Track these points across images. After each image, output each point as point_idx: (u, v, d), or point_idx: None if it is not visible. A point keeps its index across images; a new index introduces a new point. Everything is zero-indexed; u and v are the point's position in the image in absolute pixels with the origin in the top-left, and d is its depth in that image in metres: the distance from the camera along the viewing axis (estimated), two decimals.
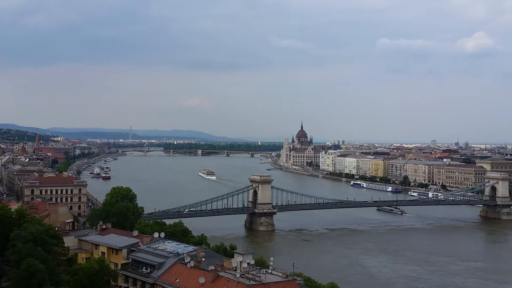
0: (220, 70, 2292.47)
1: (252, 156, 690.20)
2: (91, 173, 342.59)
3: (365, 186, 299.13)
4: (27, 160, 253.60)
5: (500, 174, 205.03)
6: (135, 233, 71.71)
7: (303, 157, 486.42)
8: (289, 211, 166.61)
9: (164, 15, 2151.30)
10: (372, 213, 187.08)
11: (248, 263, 52.24)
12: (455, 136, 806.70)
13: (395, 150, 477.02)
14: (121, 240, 68.19)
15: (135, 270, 60.43)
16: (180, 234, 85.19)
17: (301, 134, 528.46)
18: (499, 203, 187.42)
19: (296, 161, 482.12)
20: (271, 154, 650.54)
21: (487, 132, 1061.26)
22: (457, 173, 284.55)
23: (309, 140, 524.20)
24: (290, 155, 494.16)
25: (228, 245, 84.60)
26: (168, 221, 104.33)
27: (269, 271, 52.29)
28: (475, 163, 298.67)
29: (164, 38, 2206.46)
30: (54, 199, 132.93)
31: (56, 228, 74.46)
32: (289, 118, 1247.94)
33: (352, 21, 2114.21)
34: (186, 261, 55.56)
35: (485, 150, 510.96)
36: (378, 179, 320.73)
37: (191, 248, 62.81)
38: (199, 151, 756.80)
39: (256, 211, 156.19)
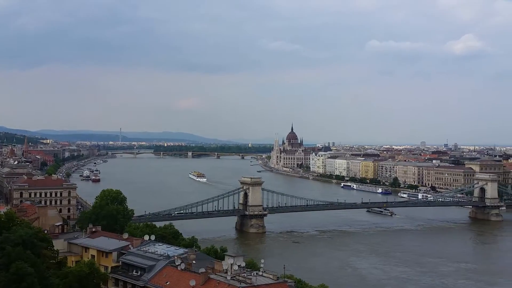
0: (210, 72, 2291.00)
1: (243, 158, 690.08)
2: (80, 175, 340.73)
3: (355, 188, 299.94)
4: (16, 162, 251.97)
5: (489, 175, 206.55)
6: (125, 235, 71.34)
7: (294, 159, 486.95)
8: (280, 213, 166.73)
9: (153, 16, 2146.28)
10: (362, 215, 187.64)
11: (239, 266, 52.13)
12: (444, 138, 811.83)
13: (385, 152, 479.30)
14: (111, 243, 67.77)
15: (125, 273, 60.06)
16: (171, 237, 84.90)
17: (292, 136, 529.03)
18: (488, 204, 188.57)
19: (286, 163, 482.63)
20: (262, 156, 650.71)
21: (476, 134, 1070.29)
22: (446, 175, 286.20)
23: (299, 142, 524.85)
24: (280, 157, 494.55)
25: (219, 248, 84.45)
26: (159, 224, 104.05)
27: (260, 273, 52.17)
28: (464, 164, 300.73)
29: (153, 40, 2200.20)
30: (43, 202, 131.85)
31: (46, 231, 73.90)
32: (279, 120, 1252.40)
33: (342, 23, 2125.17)
34: (177, 263, 55.32)
35: (474, 151, 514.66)
36: (368, 181, 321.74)
37: (181, 250, 62.54)
38: (190, 153, 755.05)
39: (247, 213, 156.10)
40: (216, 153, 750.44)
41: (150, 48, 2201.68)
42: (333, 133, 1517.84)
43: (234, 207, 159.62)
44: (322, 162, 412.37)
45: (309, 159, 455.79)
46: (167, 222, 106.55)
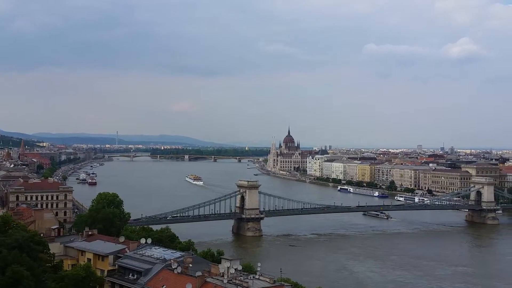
0: (207, 74, 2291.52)
1: (239, 161, 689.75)
2: (77, 178, 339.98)
3: (352, 191, 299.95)
4: (12, 165, 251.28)
5: (485, 179, 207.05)
6: (122, 239, 71.22)
7: (290, 162, 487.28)
8: (277, 216, 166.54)
9: (150, 19, 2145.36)
10: (358, 218, 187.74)
11: (235, 269, 52.11)
12: (441, 141, 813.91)
13: (381, 155, 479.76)
14: (107, 246, 67.65)
15: (121, 277, 59.94)
16: (167, 240, 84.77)
17: (288, 139, 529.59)
18: (485, 207, 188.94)
19: (283, 166, 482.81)
20: (259, 159, 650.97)
21: (473, 137, 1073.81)
22: (443, 178, 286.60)
23: (296, 145, 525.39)
24: (277, 160, 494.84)
25: (216, 251, 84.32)
26: (155, 227, 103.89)
27: (257, 276, 52.15)
28: (461, 168, 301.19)
29: (149, 43, 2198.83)
30: (39, 205, 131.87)
31: (42, 235, 73.64)
32: (276, 123, 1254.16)
33: (339, 26, 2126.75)
34: (173, 267, 55.23)
35: (471, 155, 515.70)
36: (365, 184, 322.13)
37: (178, 254, 62.48)
38: (186, 156, 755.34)
39: (244, 216, 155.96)
40: (213, 156, 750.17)
41: (147, 51, 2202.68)
42: (330, 137, 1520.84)
43: (231, 211, 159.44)
44: (319, 165, 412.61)
45: (306, 162, 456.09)
46: (163, 226, 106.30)
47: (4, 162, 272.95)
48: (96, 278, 59.47)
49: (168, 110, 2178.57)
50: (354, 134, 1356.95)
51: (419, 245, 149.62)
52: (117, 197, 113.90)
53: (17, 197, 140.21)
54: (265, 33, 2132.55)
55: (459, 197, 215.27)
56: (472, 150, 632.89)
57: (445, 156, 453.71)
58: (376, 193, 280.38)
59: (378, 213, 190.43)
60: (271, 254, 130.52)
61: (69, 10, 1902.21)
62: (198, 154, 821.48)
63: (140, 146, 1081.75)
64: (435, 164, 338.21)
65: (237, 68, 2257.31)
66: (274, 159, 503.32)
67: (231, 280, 49.89)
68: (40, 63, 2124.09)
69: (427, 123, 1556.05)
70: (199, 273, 50.79)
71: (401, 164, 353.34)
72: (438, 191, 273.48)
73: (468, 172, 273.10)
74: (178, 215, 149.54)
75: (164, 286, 53.28)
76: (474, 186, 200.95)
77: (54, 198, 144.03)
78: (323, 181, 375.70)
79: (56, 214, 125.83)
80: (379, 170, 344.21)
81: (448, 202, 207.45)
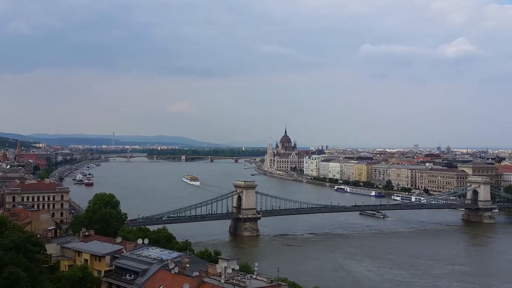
0: (204, 75, 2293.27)
1: (236, 161, 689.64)
2: (73, 179, 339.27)
3: (348, 191, 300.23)
4: (8, 166, 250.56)
5: (482, 178, 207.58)
6: (119, 239, 71.11)
7: (287, 162, 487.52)
8: (274, 216, 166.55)
9: (147, 20, 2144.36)
10: (355, 217, 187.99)
11: (232, 269, 52.08)
12: (437, 141, 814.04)
13: (378, 155, 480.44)
14: (104, 247, 67.54)
15: (118, 277, 59.87)
16: (164, 240, 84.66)
17: (285, 139, 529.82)
18: (481, 206, 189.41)
19: (280, 166, 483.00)
20: (255, 159, 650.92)
21: (469, 137, 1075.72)
22: (439, 177, 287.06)
23: (293, 145, 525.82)
24: (274, 160, 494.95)
25: (213, 251, 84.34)
26: (152, 227, 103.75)
27: (254, 276, 52.15)
28: (457, 167, 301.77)
29: (147, 44, 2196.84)
30: (36, 206, 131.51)
31: (38, 236, 73.48)
32: (273, 123, 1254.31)
33: (335, 27, 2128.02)
34: (170, 267, 55.16)
35: (467, 154, 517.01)
36: (361, 184, 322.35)
37: (175, 254, 62.43)
38: (183, 157, 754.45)
39: (241, 216, 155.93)
40: (209, 157, 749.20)
41: (144, 52, 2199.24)
42: (327, 136, 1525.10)
43: (228, 211, 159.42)
44: (316, 165, 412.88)
45: (303, 162, 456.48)
46: (160, 226, 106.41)
47: (0, 163, 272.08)
48: (93, 278, 59.32)
49: (165, 110, 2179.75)
50: (351, 134, 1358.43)
51: (416, 244, 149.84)
52: (114, 198, 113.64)
53: (14, 198, 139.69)
54: (262, 34, 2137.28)
55: (455, 196, 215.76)
56: (468, 150, 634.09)
57: (442, 156, 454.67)
58: (373, 193, 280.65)
59: (375, 212, 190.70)
60: (268, 254, 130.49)
61: (67, 11, 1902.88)
62: (195, 154, 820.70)
63: (136, 146, 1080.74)
64: (431, 164, 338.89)
65: (234, 69, 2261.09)
66: (271, 159, 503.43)
67: (228, 280, 49.84)
68: (37, 64, 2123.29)
69: (424, 122, 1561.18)
70: (196, 273, 50.76)
71: (398, 163, 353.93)
72: (434, 191, 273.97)
73: (465, 172, 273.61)
74: (175, 215, 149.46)
75: (161, 287, 53.22)
76: (471, 185, 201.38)
77: (51, 199, 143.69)
78: (320, 181, 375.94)
79: (53, 215, 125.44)
80: (375, 169, 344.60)
81: (444, 202, 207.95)
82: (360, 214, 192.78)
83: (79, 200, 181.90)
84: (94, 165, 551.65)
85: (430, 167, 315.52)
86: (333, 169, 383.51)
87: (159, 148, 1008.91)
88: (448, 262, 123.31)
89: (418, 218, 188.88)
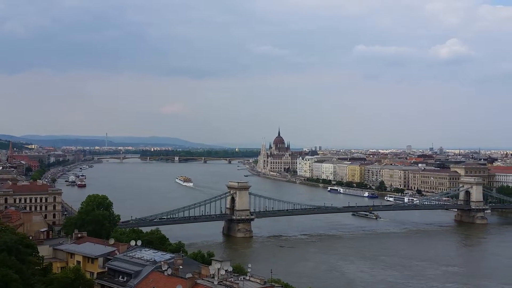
0: (197, 76, 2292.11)
1: (230, 162, 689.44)
2: (66, 181, 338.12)
3: (342, 192, 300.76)
4: (1, 168, 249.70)
5: (474, 178, 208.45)
6: (111, 241, 70.91)
7: (281, 163, 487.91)
8: (267, 217, 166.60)
9: (141, 20, 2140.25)
10: (348, 218, 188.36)
11: (226, 270, 52.06)
12: (430, 142, 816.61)
13: (371, 156, 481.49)
14: (97, 248, 67.35)
15: (111, 279, 59.68)
16: (157, 242, 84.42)
17: (279, 140, 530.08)
18: (473, 207, 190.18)
19: (273, 167, 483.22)
20: (249, 160, 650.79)
21: (461, 138, 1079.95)
22: (432, 178, 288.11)
23: (286, 146, 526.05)
24: (267, 161, 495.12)
25: (206, 252, 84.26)
26: (145, 229, 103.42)
27: (247, 278, 52.11)
28: (450, 168, 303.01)
29: (140, 44, 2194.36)
30: (28, 208, 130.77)
31: (31, 237, 73.25)
32: (266, 124, 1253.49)
33: (329, 28, 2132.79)
34: (163, 269, 55.07)
35: (459, 155, 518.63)
36: (354, 185, 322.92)
37: (168, 256, 62.29)
38: (176, 158, 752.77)
39: (234, 217, 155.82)
40: (203, 158, 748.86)
41: (137, 53, 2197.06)
42: (320, 137, 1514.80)
43: (221, 212, 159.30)
44: (309, 166, 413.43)
45: (296, 163, 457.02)
46: (153, 227, 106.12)
47: None
48: (85, 280, 59.12)
49: (158, 111, 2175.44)
50: (344, 135, 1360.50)
51: (408, 245, 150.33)
52: (107, 199, 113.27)
53: (6, 200, 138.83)
54: (256, 34, 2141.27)
55: (448, 197, 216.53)
56: (460, 150, 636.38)
57: (434, 157, 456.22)
58: (366, 194, 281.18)
59: (367, 213, 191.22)
60: (262, 255, 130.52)
61: (61, 12, 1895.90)
62: (188, 155, 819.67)
63: (129, 148, 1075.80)
64: (424, 165, 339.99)
65: (228, 70, 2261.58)
66: (264, 160, 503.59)
67: (222, 281, 49.82)
68: (29, 65, 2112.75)
69: (417, 123, 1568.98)
70: (189, 275, 50.68)
71: (391, 164, 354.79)
72: (427, 191, 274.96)
73: (457, 172, 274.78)
74: (168, 216, 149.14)
75: None
76: (463, 186, 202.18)
77: (43, 200, 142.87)
78: (313, 181, 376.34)
79: (45, 216, 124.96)
80: (369, 170, 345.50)
81: (437, 202, 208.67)
82: (353, 215, 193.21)
83: (72, 201, 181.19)
84: (87, 167, 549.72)
85: (422, 168, 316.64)
86: (326, 170, 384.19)
87: (152, 149, 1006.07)
88: (441, 263, 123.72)
89: (410, 218, 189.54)
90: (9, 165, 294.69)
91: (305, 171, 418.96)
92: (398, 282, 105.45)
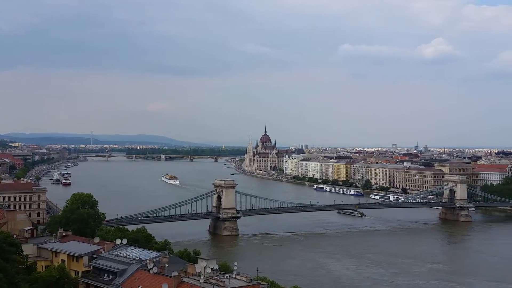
0: (183, 74, 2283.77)
1: (216, 160, 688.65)
2: (50, 179, 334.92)
3: (328, 190, 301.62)
4: None
5: (458, 177, 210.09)
6: (97, 240, 70.57)
7: (267, 161, 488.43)
8: (253, 215, 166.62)
9: (127, 18, 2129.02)
10: (334, 216, 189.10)
11: (212, 268, 51.99)
12: (415, 140, 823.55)
13: (357, 154, 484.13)
14: (81, 247, 66.91)
15: (96, 278, 59.31)
16: (143, 240, 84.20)
17: (265, 139, 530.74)
18: (458, 205, 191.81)
19: (260, 166, 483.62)
20: (235, 158, 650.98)
21: (446, 136, 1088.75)
22: (417, 176, 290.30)
23: (272, 144, 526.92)
24: (254, 159, 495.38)
25: (192, 251, 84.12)
26: (131, 227, 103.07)
27: (233, 276, 52.14)
28: (434, 166, 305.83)
29: (126, 42, 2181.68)
30: (12, 206, 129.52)
31: (15, 236, 72.46)
32: (252, 122, 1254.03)
33: (315, 26, 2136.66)
34: (149, 267, 54.87)
35: (444, 153, 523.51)
36: (340, 183, 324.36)
37: (154, 254, 62.09)
38: (162, 156, 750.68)
39: (220, 216, 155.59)
40: (189, 156, 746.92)
41: (123, 51, 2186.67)
42: (306, 136, 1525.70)
43: (207, 210, 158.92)
44: (295, 164, 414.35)
45: (282, 161, 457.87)
46: (139, 226, 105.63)
47: None
48: (70, 279, 58.74)
49: (144, 110, 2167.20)
50: (330, 134, 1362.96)
51: (394, 242, 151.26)
52: (92, 198, 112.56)
53: None
54: (242, 33, 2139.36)
55: (432, 195, 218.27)
56: (445, 149, 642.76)
57: (419, 155, 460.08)
58: (352, 192, 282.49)
59: (353, 211, 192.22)
60: (248, 253, 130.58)
61: (46, 9, 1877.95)
62: (175, 153, 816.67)
63: (115, 146, 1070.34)
64: (409, 163, 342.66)
65: (214, 68, 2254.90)
66: (250, 159, 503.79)
67: (208, 279, 49.75)
68: (14, 63, 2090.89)
69: (402, 122, 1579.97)
70: (175, 273, 50.55)
71: (376, 163, 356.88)
72: (412, 189, 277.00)
73: (442, 171, 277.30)
74: (154, 215, 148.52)
75: (140, 287, 52.88)
76: (448, 184, 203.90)
77: (27, 199, 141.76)
78: (299, 180, 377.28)
79: (29, 215, 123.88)
80: (354, 169, 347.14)
81: (422, 200, 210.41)
82: (339, 213, 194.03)
83: (57, 200, 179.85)
84: (72, 165, 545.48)
85: (408, 166, 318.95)
86: (312, 168, 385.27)
87: (138, 148, 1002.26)
88: (426, 260, 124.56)
89: (396, 216, 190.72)
90: None
91: (291, 169, 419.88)
92: (383, 280, 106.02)
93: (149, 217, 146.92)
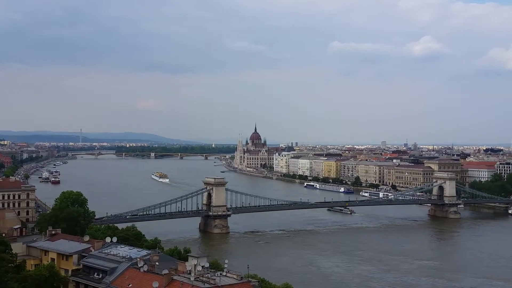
0: (173, 72, 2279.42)
1: (206, 158, 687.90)
2: (39, 177, 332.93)
3: (318, 187, 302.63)
4: None
5: (447, 174, 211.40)
6: (86, 238, 70.20)
7: (257, 159, 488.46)
8: (244, 213, 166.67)
9: (116, 15, 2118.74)
10: (324, 214, 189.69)
11: (202, 266, 51.95)
12: (404, 137, 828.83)
13: (347, 152, 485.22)
14: (71, 245, 66.58)
15: (86, 276, 59.08)
16: (133, 239, 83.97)
17: (255, 136, 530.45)
18: (447, 202, 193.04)
19: (250, 163, 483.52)
20: (225, 156, 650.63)
21: (435, 134, 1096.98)
22: (406, 174, 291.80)
23: (263, 142, 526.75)
24: (244, 157, 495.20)
25: (182, 249, 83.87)
26: (121, 226, 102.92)
27: (224, 273, 52.14)
28: (424, 163, 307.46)
29: (115, 39, 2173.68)
30: (0, 205, 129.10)
31: (4, 235, 72.16)
32: (242, 120, 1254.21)
33: (305, 24, 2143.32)
34: (139, 265, 54.69)
35: (433, 151, 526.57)
36: (331, 180, 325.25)
37: (144, 252, 61.93)
38: (152, 154, 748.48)
39: (211, 213, 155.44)
40: (179, 154, 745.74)
41: (112, 48, 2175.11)
42: (296, 133, 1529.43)
43: (198, 208, 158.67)
44: (286, 162, 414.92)
45: (273, 159, 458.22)
46: (129, 224, 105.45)
47: None
48: (60, 278, 58.46)
49: (134, 107, 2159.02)
50: (320, 131, 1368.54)
51: (384, 239, 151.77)
52: (81, 196, 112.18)
53: None
54: (232, 30, 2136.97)
55: (422, 192, 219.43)
56: (434, 146, 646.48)
57: (409, 152, 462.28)
58: (342, 189, 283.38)
59: (342, 208, 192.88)
60: (238, 251, 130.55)
61: (32, 6, 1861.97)
62: (164, 151, 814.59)
63: (104, 144, 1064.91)
64: (398, 160, 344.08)
65: (204, 66, 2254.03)
66: (241, 156, 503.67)
67: (198, 277, 49.72)
68: (1, 59, 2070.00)
69: (391, 119, 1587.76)
70: (165, 271, 50.43)
71: (366, 160, 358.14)
72: (402, 187, 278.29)
73: (431, 168, 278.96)
74: (144, 213, 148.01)
75: (130, 285, 52.71)
76: (437, 181, 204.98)
77: (16, 197, 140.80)
78: (289, 177, 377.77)
79: (18, 213, 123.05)
80: (344, 166, 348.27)
81: (411, 197, 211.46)
82: (329, 210, 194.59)
83: (46, 198, 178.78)
84: (61, 163, 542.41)
85: (397, 164, 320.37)
86: (302, 165, 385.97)
87: (127, 145, 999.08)
88: (416, 257, 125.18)
89: (385, 213, 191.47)
90: None
91: (281, 167, 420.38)
92: (374, 276, 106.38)
93: (139, 215, 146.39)
